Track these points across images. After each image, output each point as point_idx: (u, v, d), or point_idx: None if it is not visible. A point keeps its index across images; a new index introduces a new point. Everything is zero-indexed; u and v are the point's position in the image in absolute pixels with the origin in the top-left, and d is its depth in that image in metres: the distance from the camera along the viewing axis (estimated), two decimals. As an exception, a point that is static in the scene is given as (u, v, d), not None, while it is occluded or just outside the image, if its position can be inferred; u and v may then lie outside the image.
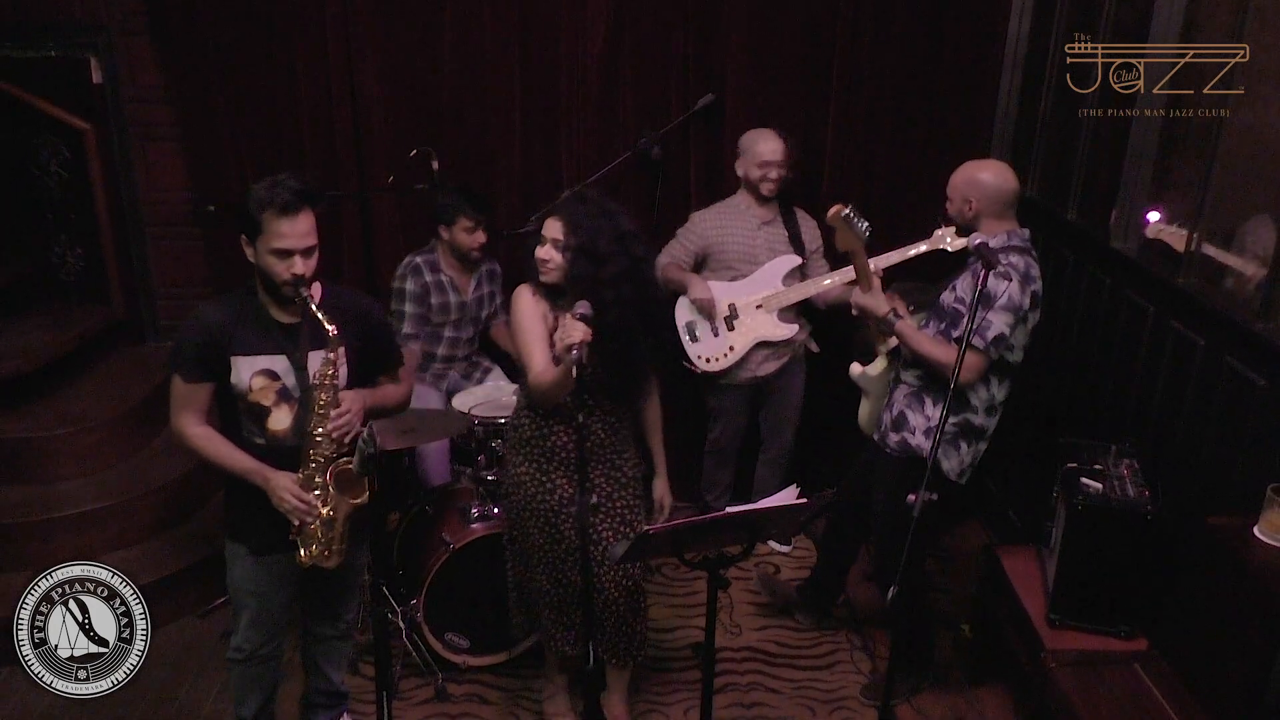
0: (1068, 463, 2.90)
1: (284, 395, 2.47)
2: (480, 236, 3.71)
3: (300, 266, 2.36)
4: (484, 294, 3.90)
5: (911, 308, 3.07)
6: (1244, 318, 2.65)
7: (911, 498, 2.35)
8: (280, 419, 2.48)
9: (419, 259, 3.76)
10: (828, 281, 3.70)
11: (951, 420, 2.89)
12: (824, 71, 4.03)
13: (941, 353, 2.81)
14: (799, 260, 3.76)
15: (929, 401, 2.93)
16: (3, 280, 4.12)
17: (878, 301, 2.93)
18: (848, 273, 3.56)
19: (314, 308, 2.37)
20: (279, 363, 2.45)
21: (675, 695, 3.29)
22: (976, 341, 2.74)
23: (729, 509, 2.48)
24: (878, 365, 3.14)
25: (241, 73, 3.93)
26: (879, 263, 3.39)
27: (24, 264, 4.24)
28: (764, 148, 3.68)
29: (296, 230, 2.34)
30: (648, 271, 2.69)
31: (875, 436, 3.14)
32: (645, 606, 2.98)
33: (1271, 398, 2.52)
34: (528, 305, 2.69)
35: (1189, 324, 2.89)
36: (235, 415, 2.48)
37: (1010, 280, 2.73)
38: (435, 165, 3.76)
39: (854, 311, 3.04)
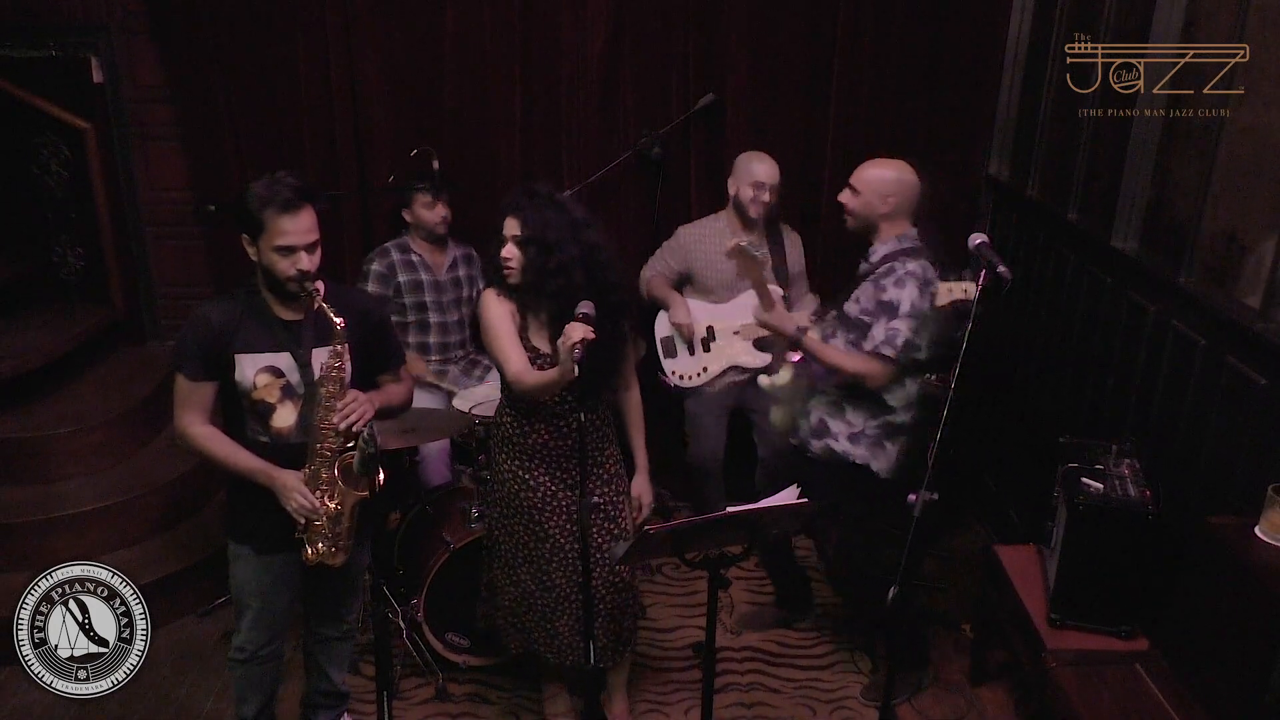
0: (1068, 462, 2.90)
1: (288, 392, 2.47)
2: (440, 210, 3.77)
3: (305, 262, 2.37)
4: (460, 275, 3.90)
5: (813, 317, 3.13)
6: (1244, 317, 2.65)
7: (912, 497, 2.35)
8: (285, 416, 2.48)
9: (389, 244, 3.84)
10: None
11: (874, 424, 2.97)
12: (824, 71, 4.03)
13: (851, 364, 2.89)
14: (781, 292, 3.73)
15: (849, 409, 2.99)
16: (3, 279, 4.11)
17: (782, 320, 2.99)
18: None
19: (320, 301, 2.39)
20: (283, 359, 2.45)
21: (676, 695, 3.29)
22: (888, 351, 2.83)
23: (730, 509, 2.48)
24: (784, 375, 3.17)
25: (242, 72, 3.94)
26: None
27: (25, 263, 4.24)
28: (759, 168, 3.67)
29: (299, 227, 2.35)
30: (602, 257, 2.67)
31: (794, 441, 3.17)
32: (636, 604, 2.98)
33: (1272, 397, 2.52)
34: (494, 306, 2.69)
35: (1190, 324, 2.89)
36: (239, 414, 2.48)
37: (907, 287, 2.81)
38: (435, 165, 3.77)
39: (761, 329, 3.13)
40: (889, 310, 2.83)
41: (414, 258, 3.82)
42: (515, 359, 2.63)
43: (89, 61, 4.00)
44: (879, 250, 2.94)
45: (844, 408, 2.99)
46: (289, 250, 2.35)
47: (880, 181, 2.91)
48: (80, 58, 3.99)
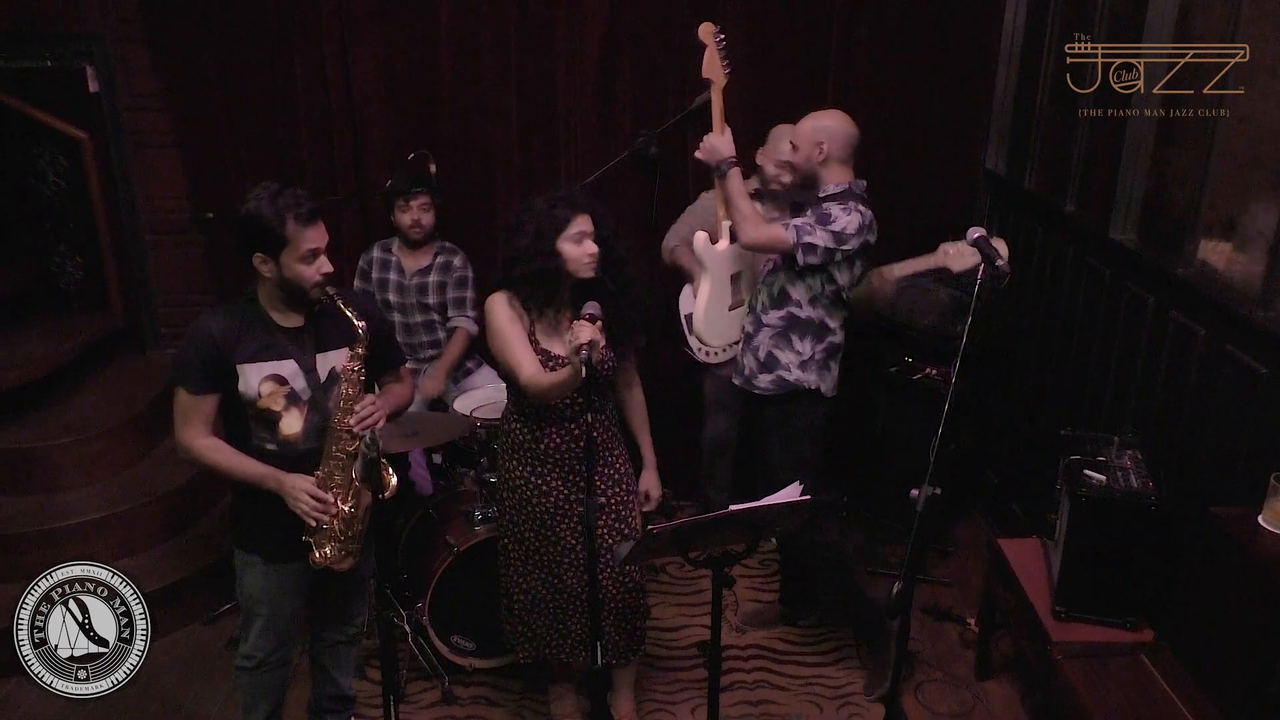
0: (1070, 454, 2.90)
1: (293, 399, 2.47)
2: (414, 214, 3.75)
3: (327, 265, 2.42)
4: (430, 281, 3.86)
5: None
6: (1244, 307, 2.65)
7: (914, 493, 2.35)
8: (291, 423, 2.48)
9: (377, 242, 3.90)
10: None
11: (820, 347, 3.09)
12: (821, 68, 4.04)
13: (752, 215, 3.00)
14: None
15: (795, 338, 3.09)
16: (3, 290, 4.12)
17: (726, 145, 3.08)
18: None
19: (340, 304, 2.42)
20: (286, 367, 2.46)
21: (682, 694, 3.29)
22: (792, 235, 2.94)
23: (733, 507, 2.48)
24: (724, 243, 3.21)
25: (238, 77, 3.93)
26: (891, 272, 3.39)
27: (24, 274, 4.24)
28: (786, 147, 3.66)
29: (320, 232, 2.41)
30: (627, 253, 2.76)
31: (738, 382, 3.27)
32: (645, 605, 2.98)
33: (1273, 386, 2.52)
34: (502, 311, 2.68)
35: (1189, 314, 2.89)
36: (244, 423, 2.48)
37: (852, 215, 2.93)
38: (433, 168, 3.77)
39: (698, 153, 3.15)
40: (823, 219, 2.94)
41: (391, 257, 3.86)
42: (528, 364, 2.63)
43: (85, 71, 4.00)
44: (829, 188, 3.02)
45: (790, 338, 3.09)
46: (314, 255, 2.39)
47: (813, 131, 3.02)
48: (76, 67, 3.99)
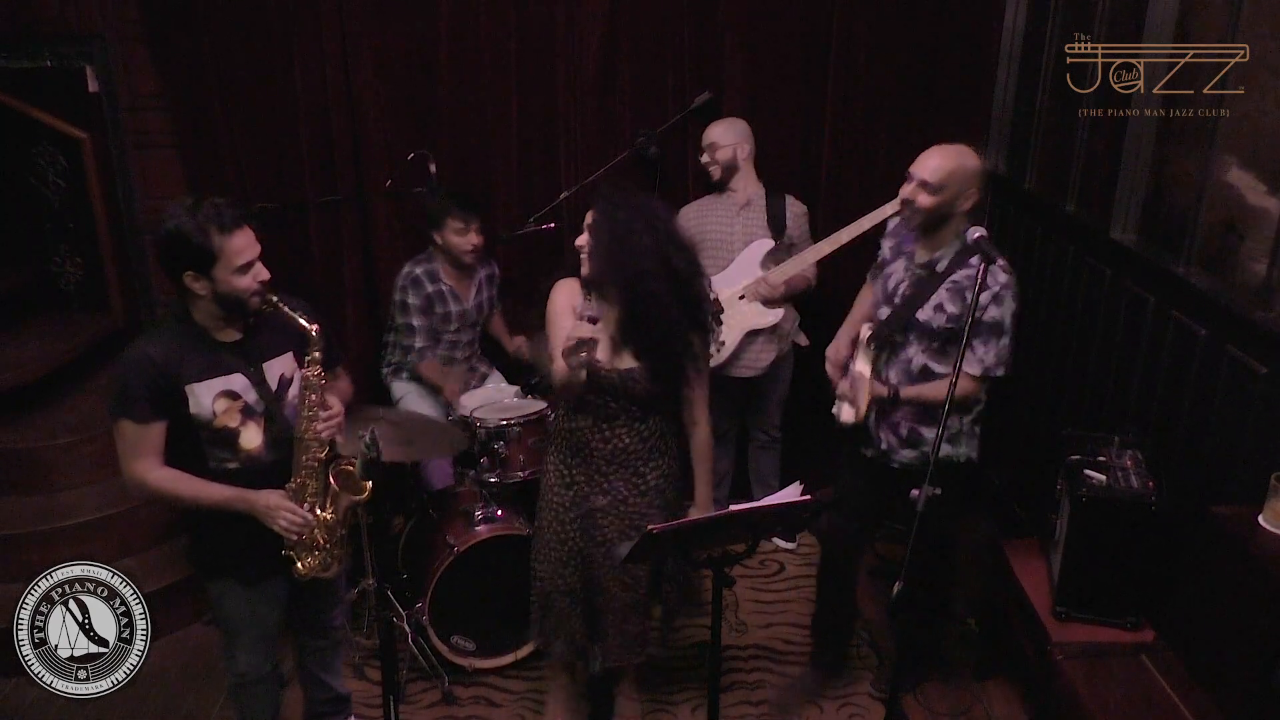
0: (1071, 454, 2.90)
1: (248, 413, 2.41)
2: (473, 238, 3.63)
3: (264, 272, 2.35)
4: (484, 299, 3.87)
5: (872, 345, 2.88)
6: (1244, 306, 2.65)
7: (915, 493, 2.35)
8: (251, 437, 2.42)
9: (418, 270, 3.68)
10: (799, 266, 3.70)
11: (969, 419, 2.89)
12: (821, 69, 4.04)
13: (958, 391, 2.56)
14: (773, 243, 3.73)
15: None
16: (2, 291, 4.12)
17: (872, 390, 2.79)
18: (820, 250, 3.66)
19: (287, 309, 2.37)
20: (236, 381, 2.39)
21: (683, 694, 3.29)
22: (1000, 372, 2.72)
23: (733, 507, 2.47)
24: (854, 410, 2.91)
25: (238, 78, 3.93)
26: (832, 242, 3.58)
27: (23, 274, 4.24)
28: (706, 132, 3.73)
29: (249, 240, 2.33)
30: (680, 264, 2.60)
31: (868, 453, 2.97)
32: (649, 606, 2.97)
33: (1273, 386, 2.52)
34: (557, 295, 2.70)
35: (1189, 313, 2.89)
36: (198, 446, 2.39)
37: (1006, 303, 2.68)
38: (433, 169, 3.75)
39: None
40: (996, 330, 2.68)
41: (444, 287, 3.70)
42: (558, 352, 2.60)
43: (84, 71, 3.99)
44: (944, 255, 2.76)
45: (933, 414, 2.80)
46: (249, 266, 2.32)
47: (968, 174, 2.71)
48: (76, 68, 3.98)
